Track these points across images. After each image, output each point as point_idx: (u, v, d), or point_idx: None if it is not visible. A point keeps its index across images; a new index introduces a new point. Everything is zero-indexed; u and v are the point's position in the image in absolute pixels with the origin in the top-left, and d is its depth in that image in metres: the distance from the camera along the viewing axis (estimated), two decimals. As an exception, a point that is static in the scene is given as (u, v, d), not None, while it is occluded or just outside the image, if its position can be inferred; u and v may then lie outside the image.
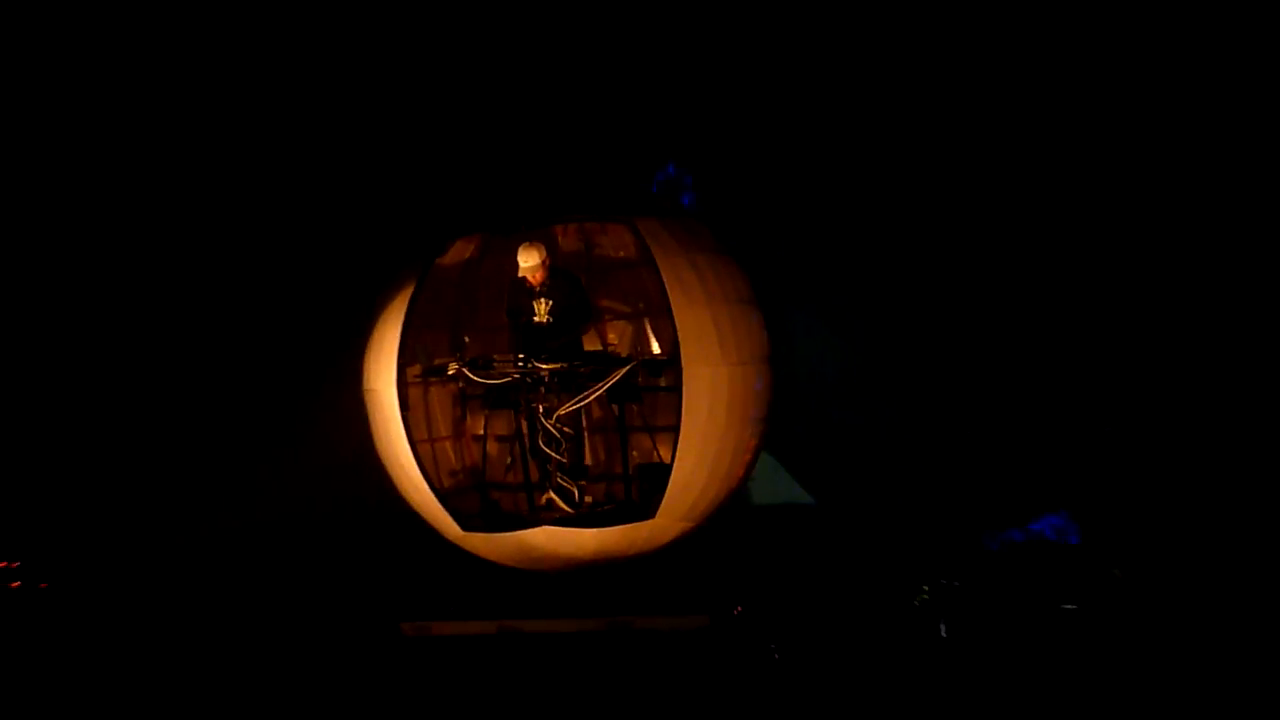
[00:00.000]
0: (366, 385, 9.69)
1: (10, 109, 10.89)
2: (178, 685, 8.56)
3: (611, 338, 10.18)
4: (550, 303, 9.56)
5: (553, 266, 9.60)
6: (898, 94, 11.09)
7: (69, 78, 10.95)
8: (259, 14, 10.95)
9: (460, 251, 10.03)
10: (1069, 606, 9.14)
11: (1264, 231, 10.50)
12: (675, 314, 9.22)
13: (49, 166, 10.94)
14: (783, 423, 10.41)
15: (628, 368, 9.45)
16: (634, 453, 9.95)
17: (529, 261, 9.43)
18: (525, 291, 9.56)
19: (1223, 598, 9.10)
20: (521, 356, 9.36)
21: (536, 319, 9.54)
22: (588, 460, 9.86)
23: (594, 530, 9.35)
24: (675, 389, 9.27)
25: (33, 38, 10.83)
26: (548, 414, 9.47)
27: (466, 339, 9.85)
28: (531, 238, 9.64)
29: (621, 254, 10.23)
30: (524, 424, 9.65)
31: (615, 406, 9.70)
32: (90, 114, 10.97)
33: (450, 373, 9.55)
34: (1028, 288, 11.03)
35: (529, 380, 9.42)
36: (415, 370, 9.69)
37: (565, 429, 9.50)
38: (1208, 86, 10.54)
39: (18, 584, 9.88)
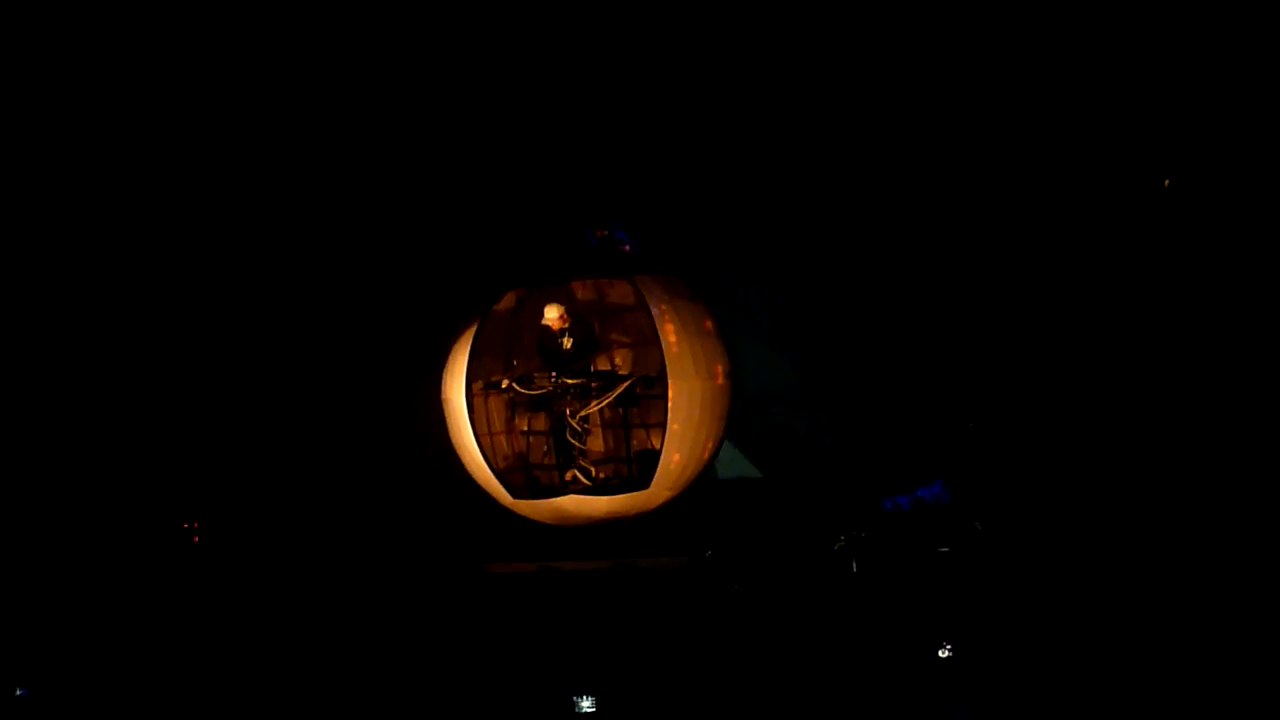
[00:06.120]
0: (444, 395, 10.75)
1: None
2: (319, 601, 10.05)
3: (617, 360, 11.04)
4: (571, 339, 10.64)
5: (571, 313, 10.69)
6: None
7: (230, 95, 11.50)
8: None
9: (509, 300, 11.00)
10: (943, 549, 10.41)
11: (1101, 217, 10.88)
12: (663, 343, 10.40)
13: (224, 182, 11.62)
14: (739, 419, 11.43)
15: (628, 382, 10.67)
16: (633, 442, 10.88)
17: (552, 314, 10.60)
18: (553, 332, 10.67)
19: (1054, 545, 10.23)
20: (553, 375, 10.56)
21: (562, 349, 10.69)
22: (600, 447, 10.93)
23: (605, 497, 10.55)
24: (663, 396, 10.37)
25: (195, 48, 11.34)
26: (572, 415, 10.68)
27: (515, 362, 10.95)
28: (554, 295, 10.71)
29: (624, 300, 11.02)
30: (555, 422, 10.76)
31: (620, 409, 10.75)
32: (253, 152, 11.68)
33: (503, 386, 10.70)
34: (906, 317, 11.68)
35: (558, 391, 10.61)
36: (479, 384, 10.68)
37: (584, 425, 10.74)
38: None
39: (197, 539, 10.91)
